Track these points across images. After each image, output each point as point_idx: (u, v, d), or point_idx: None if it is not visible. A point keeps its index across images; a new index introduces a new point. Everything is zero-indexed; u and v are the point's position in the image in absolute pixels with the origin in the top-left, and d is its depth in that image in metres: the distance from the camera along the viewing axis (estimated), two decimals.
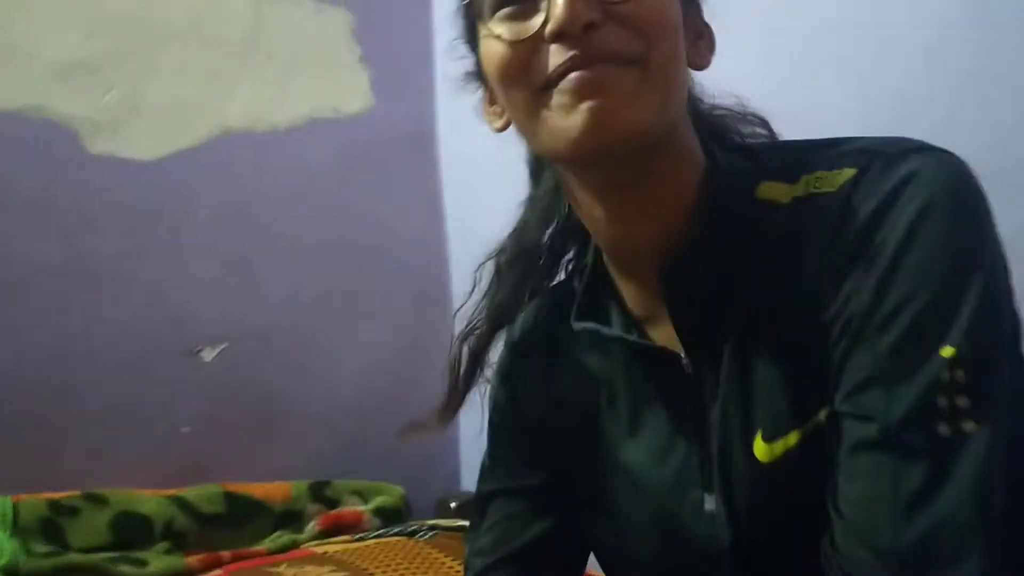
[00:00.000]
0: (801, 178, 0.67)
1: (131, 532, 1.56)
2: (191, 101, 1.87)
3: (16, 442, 1.63)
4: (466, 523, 1.78)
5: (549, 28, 0.63)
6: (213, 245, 1.88)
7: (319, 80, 2.00)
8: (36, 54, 1.72)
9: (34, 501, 1.52)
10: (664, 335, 0.73)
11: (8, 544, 1.40)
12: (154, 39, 1.84)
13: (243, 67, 1.92)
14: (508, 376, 0.86)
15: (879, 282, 0.61)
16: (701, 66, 0.72)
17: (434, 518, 1.81)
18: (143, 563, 1.50)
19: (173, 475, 1.72)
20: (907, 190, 0.61)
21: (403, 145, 2.11)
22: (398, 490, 1.86)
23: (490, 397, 0.87)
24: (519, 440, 0.84)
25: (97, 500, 1.58)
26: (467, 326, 0.85)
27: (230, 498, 1.70)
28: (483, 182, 2.06)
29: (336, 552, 1.61)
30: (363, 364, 2.01)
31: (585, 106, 0.62)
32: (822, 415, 0.64)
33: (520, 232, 0.85)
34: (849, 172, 0.65)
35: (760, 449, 0.66)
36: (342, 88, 2.03)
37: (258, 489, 1.75)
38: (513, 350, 0.85)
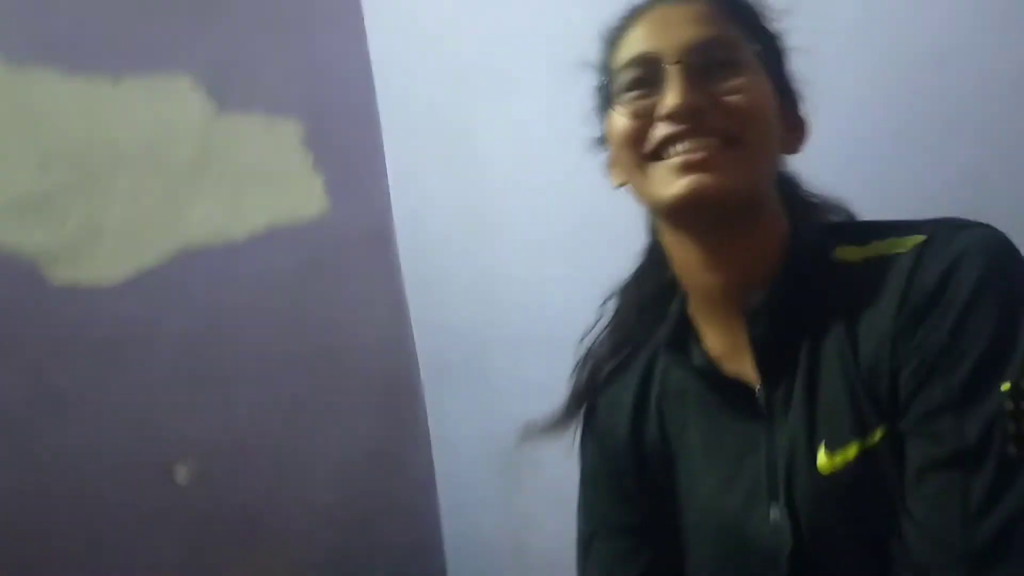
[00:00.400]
0: (872, 242, 0.81)
1: None
2: (148, 222, 1.89)
3: None
4: None
5: (664, 110, 0.79)
6: (181, 363, 1.87)
7: (274, 189, 2.03)
8: None
9: None
10: (738, 369, 0.84)
11: None
12: (107, 166, 1.86)
13: (197, 184, 1.95)
14: (598, 422, 0.97)
15: (952, 328, 0.74)
16: (793, 151, 0.86)
17: None
18: None
19: None
20: (968, 257, 0.76)
21: (362, 244, 2.14)
22: None
23: (581, 443, 0.99)
24: (610, 481, 0.95)
25: None
26: (588, 350, 0.98)
27: None
28: (444, 273, 2.10)
29: None
30: (338, 469, 2.01)
31: (685, 179, 0.78)
32: (879, 434, 0.76)
33: (638, 277, 0.99)
34: (920, 238, 0.79)
35: (822, 461, 0.78)
36: (297, 195, 2.07)
37: None
38: (604, 397, 0.97)
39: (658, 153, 0.80)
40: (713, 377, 0.86)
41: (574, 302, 1.85)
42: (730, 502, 0.84)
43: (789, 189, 0.89)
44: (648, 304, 0.95)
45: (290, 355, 2.00)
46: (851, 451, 0.77)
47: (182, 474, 1.84)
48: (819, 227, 0.86)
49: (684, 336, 0.89)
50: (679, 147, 0.78)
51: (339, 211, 2.11)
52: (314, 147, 2.09)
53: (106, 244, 1.84)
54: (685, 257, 0.86)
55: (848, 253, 0.82)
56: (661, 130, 0.79)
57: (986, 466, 0.71)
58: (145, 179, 1.90)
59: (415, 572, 2.02)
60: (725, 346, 0.86)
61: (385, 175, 2.19)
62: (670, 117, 0.78)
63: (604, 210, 1.76)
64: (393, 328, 2.15)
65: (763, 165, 0.81)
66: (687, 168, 0.77)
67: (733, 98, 0.78)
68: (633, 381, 0.95)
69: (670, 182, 0.78)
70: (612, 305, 1.00)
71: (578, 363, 1.00)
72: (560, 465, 1.91)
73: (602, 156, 0.96)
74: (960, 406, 0.73)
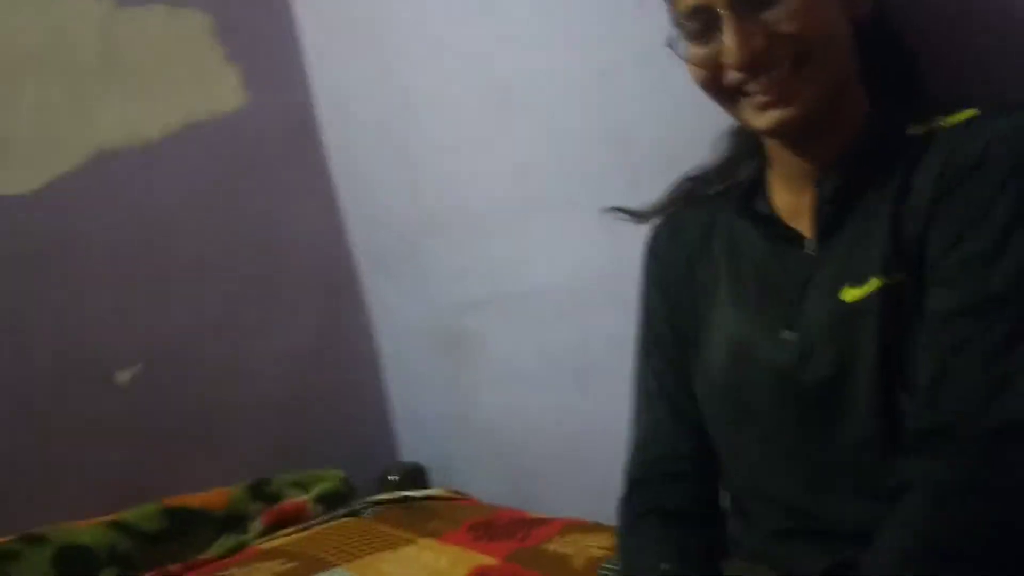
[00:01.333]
0: (936, 117, 0.85)
1: (75, 565, 1.56)
2: (58, 127, 1.83)
3: None
4: (407, 493, 1.83)
5: (727, 60, 0.83)
6: (109, 269, 1.86)
7: (186, 85, 1.98)
8: None
9: None
10: (796, 225, 0.91)
11: None
12: (9, 72, 1.79)
13: (105, 85, 1.89)
14: (661, 248, 1.05)
15: (988, 191, 0.78)
16: (862, 18, 0.87)
17: (376, 495, 1.85)
18: None
19: (113, 502, 1.72)
20: (1014, 131, 0.79)
21: (286, 138, 2.10)
22: (338, 474, 1.89)
23: (644, 264, 1.06)
24: (664, 302, 1.02)
25: (35, 540, 1.57)
26: (694, 172, 1.03)
27: (169, 513, 1.70)
28: (374, 159, 2.08)
29: (284, 545, 1.64)
30: (283, 361, 2.02)
31: (766, 115, 0.84)
32: (902, 278, 0.81)
33: (738, 131, 1.02)
34: (974, 112, 0.83)
35: (845, 292, 0.84)
36: (212, 89, 2.01)
37: (196, 499, 1.76)
38: (672, 225, 1.04)
39: (735, 96, 0.85)
40: (771, 224, 0.92)
41: (498, 183, 1.86)
42: (750, 330, 0.90)
43: (883, 62, 0.92)
44: (734, 158, 1.00)
45: (224, 253, 1.99)
46: (873, 284, 0.81)
47: (123, 378, 1.84)
48: (897, 105, 0.89)
49: (755, 192, 0.95)
50: (751, 87, 0.83)
51: (259, 104, 2.06)
52: (225, 39, 2.02)
53: (17, 152, 1.79)
54: (769, 142, 0.93)
55: (916, 128, 0.86)
56: (731, 76, 0.84)
57: (1008, 314, 0.75)
58: (50, 83, 1.84)
59: (369, 449, 2.06)
60: (789, 206, 0.92)
61: (303, 65, 2.13)
62: (734, 67, 0.83)
63: (525, 84, 1.75)
64: (326, 220, 2.14)
65: (836, 69, 0.84)
66: (765, 107, 0.83)
67: (791, 25, 0.81)
68: (701, 220, 1.00)
69: (754, 117, 0.85)
70: (719, 147, 1.04)
71: (681, 177, 1.06)
72: (500, 344, 1.96)
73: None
74: (989, 258, 0.76)
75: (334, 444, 2.03)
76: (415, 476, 1.94)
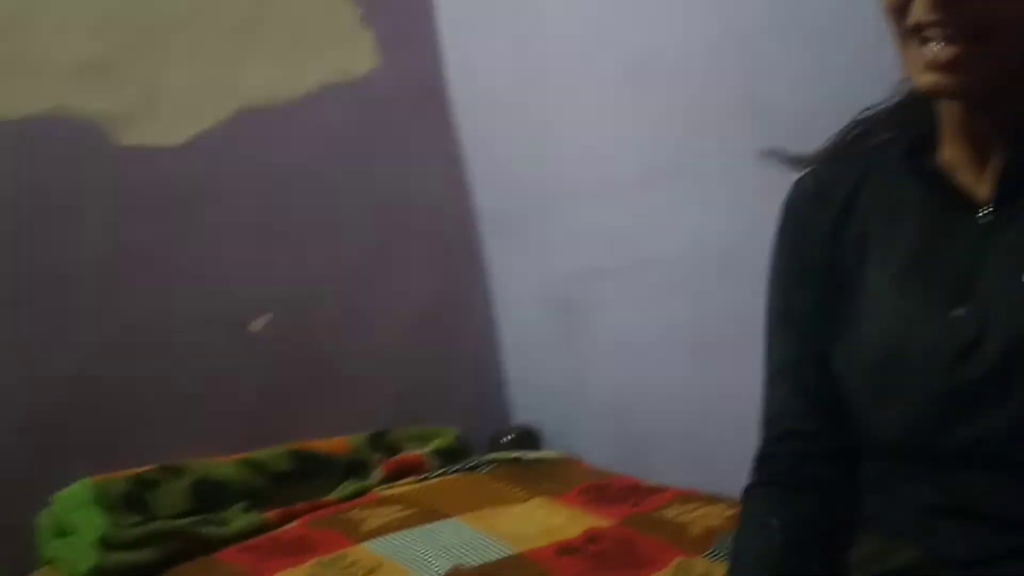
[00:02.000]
0: None
1: (210, 496, 1.65)
2: (206, 84, 1.92)
3: (93, 428, 1.74)
4: (520, 453, 1.87)
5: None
6: (247, 220, 1.95)
7: (325, 47, 2.04)
8: (53, 56, 1.78)
9: (116, 479, 1.62)
10: (968, 185, 0.85)
11: (98, 519, 1.50)
12: (162, 29, 1.89)
13: (250, 44, 1.96)
14: (801, 207, 0.97)
15: None
16: None
17: (489, 454, 1.89)
18: (225, 523, 1.59)
19: (243, 442, 1.81)
20: None
21: (415, 100, 2.15)
22: (453, 431, 1.95)
23: (780, 226, 0.98)
24: (802, 268, 0.95)
25: (175, 471, 1.68)
26: (865, 114, 0.96)
27: (297, 456, 1.79)
28: (499, 127, 2.10)
29: (403, 493, 1.70)
30: (404, 318, 2.09)
31: (930, 76, 0.79)
32: None
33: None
34: None
35: None
36: (348, 51, 2.07)
37: (322, 445, 1.84)
38: (820, 177, 0.96)
39: (914, 32, 0.80)
40: (941, 186, 0.86)
41: (627, 149, 1.87)
42: (912, 304, 0.84)
43: None
44: (908, 106, 0.92)
45: (353, 211, 2.05)
46: None
47: (255, 326, 1.94)
48: None
49: (924, 147, 0.88)
50: (931, 33, 0.78)
51: (391, 67, 2.11)
52: (360, 1, 2.08)
53: (166, 106, 1.88)
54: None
55: None
56: (917, 11, 0.79)
57: None
58: (199, 40, 1.92)
59: (482, 409, 2.11)
60: (962, 163, 0.85)
61: (436, 29, 2.17)
62: (926, 3, 0.78)
63: (658, 55, 1.74)
64: (451, 183, 2.18)
65: (1014, 53, 0.78)
66: (932, 67, 0.78)
67: None
68: (852, 177, 0.93)
69: (918, 72, 0.80)
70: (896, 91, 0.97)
71: (855, 118, 0.98)
72: (615, 313, 1.97)
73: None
74: None
75: (449, 402, 2.08)
76: (528, 438, 1.97)
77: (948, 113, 0.86)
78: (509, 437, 1.97)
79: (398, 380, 2.05)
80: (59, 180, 1.78)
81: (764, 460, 0.97)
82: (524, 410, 2.14)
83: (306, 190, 2.01)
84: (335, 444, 1.85)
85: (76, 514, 1.53)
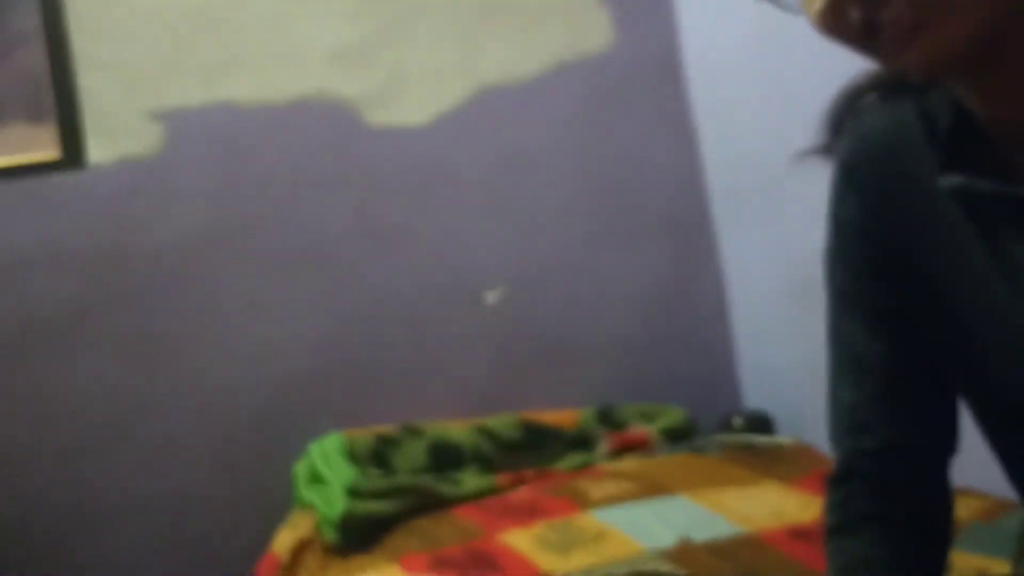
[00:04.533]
0: None
1: (445, 457, 1.74)
2: (448, 65, 2.01)
3: (342, 387, 1.87)
4: (753, 437, 1.81)
5: None
6: (484, 197, 2.02)
7: (561, 26, 2.07)
8: (314, 44, 1.93)
9: (363, 435, 1.74)
10: None
11: (348, 470, 1.61)
12: (409, 13, 1.99)
13: (489, 25, 2.03)
14: (861, 178, 0.81)
15: None
16: None
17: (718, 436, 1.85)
18: (459, 483, 1.66)
19: (474, 407, 1.89)
20: None
21: (650, 76, 2.13)
22: (681, 411, 1.92)
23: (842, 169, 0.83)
24: (868, 238, 0.80)
25: (414, 431, 1.77)
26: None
27: (526, 426, 1.83)
28: (735, 102, 2.04)
29: (628, 468, 1.70)
30: (633, 295, 2.08)
31: (909, 54, 0.64)
32: None
33: None
34: None
35: None
36: (583, 30, 2.09)
37: (550, 416, 1.87)
38: (867, 150, 0.80)
39: (869, 31, 0.66)
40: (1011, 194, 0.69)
41: None
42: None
43: None
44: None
45: (586, 190, 2.07)
46: None
47: (490, 298, 2.00)
48: None
49: (967, 142, 0.72)
50: (884, 15, 0.64)
51: (626, 43, 2.11)
52: None
53: (412, 88, 1.99)
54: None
55: None
56: (852, 13, 0.66)
57: None
58: (442, 23, 2.01)
59: (711, 392, 2.07)
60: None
61: (672, 3, 2.14)
62: None
63: None
64: (685, 161, 2.14)
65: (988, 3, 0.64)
66: (902, 41, 0.64)
67: None
68: (918, 125, 0.76)
69: (898, 59, 0.66)
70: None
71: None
72: None
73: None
74: None
75: (677, 383, 2.05)
76: (760, 423, 1.91)
77: (966, 98, 0.69)
78: (739, 420, 1.91)
79: (626, 357, 2.05)
80: (317, 159, 1.92)
81: (855, 476, 0.80)
82: (756, 394, 2.07)
83: (540, 167, 2.05)
84: (563, 417, 1.88)
85: (328, 464, 1.66)
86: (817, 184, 1.94)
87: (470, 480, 1.67)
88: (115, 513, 1.73)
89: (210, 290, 1.82)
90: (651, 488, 1.56)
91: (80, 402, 1.73)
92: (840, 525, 0.79)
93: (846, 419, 0.80)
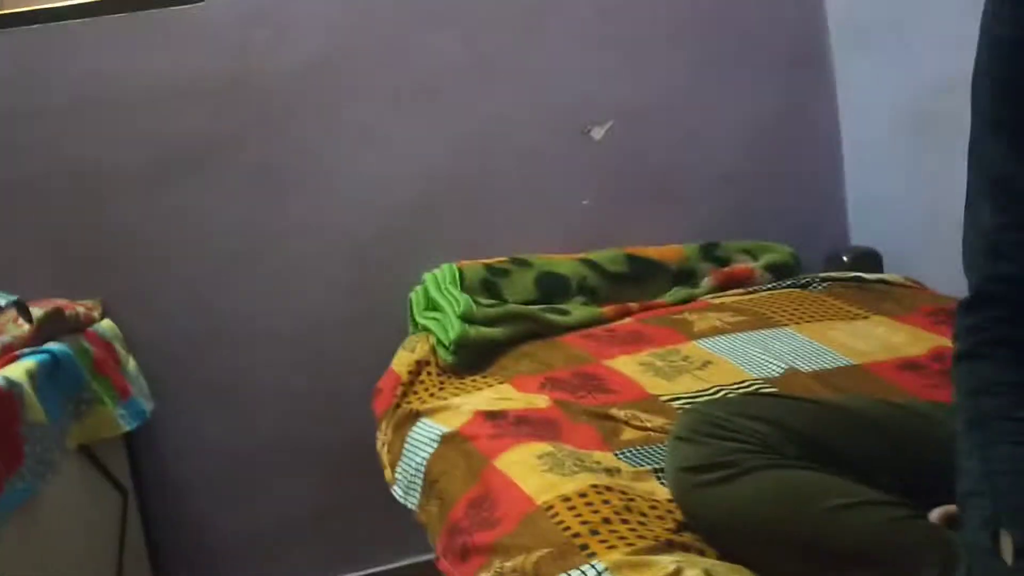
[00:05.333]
0: None
1: (552, 288, 1.79)
2: None
3: (454, 217, 1.93)
4: (860, 274, 1.81)
5: None
6: (592, 31, 1.98)
7: None
8: None
9: (474, 265, 1.80)
10: None
11: (462, 298, 1.69)
12: None
13: None
14: None
15: None
16: None
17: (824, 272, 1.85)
18: (566, 312, 1.73)
19: (580, 242, 1.93)
20: None
21: None
22: (787, 248, 1.92)
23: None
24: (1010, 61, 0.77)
25: (522, 263, 1.83)
26: None
27: (631, 259, 1.87)
28: None
29: (732, 302, 1.73)
30: (744, 131, 2.05)
31: None
32: None
33: None
34: None
35: None
36: None
37: (654, 251, 1.90)
38: None
39: None
40: None
41: None
42: None
43: None
44: None
45: (698, 21, 2.01)
46: None
47: (597, 133, 2.00)
48: None
49: None
50: None
51: None
52: None
53: None
54: None
55: None
56: None
57: None
58: None
59: (818, 229, 2.05)
60: None
61: None
62: None
63: None
64: None
65: None
66: None
67: None
68: None
69: None
70: None
71: None
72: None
73: None
74: None
75: (784, 219, 2.05)
76: (868, 260, 1.90)
77: None
78: (847, 258, 1.90)
79: (732, 195, 2.04)
80: None
81: (989, 301, 0.79)
82: (864, 232, 2.05)
83: (654, 3, 1.99)
84: (667, 252, 1.91)
85: (441, 292, 1.74)
86: (944, 16, 1.85)
87: (576, 310, 1.73)
88: (246, 336, 1.86)
89: (326, 123, 1.86)
90: (757, 321, 1.59)
91: (212, 230, 1.84)
92: (971, 350, 0.79)
93: (984, 244, 0.79)
